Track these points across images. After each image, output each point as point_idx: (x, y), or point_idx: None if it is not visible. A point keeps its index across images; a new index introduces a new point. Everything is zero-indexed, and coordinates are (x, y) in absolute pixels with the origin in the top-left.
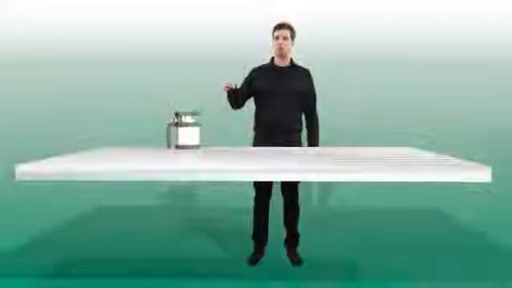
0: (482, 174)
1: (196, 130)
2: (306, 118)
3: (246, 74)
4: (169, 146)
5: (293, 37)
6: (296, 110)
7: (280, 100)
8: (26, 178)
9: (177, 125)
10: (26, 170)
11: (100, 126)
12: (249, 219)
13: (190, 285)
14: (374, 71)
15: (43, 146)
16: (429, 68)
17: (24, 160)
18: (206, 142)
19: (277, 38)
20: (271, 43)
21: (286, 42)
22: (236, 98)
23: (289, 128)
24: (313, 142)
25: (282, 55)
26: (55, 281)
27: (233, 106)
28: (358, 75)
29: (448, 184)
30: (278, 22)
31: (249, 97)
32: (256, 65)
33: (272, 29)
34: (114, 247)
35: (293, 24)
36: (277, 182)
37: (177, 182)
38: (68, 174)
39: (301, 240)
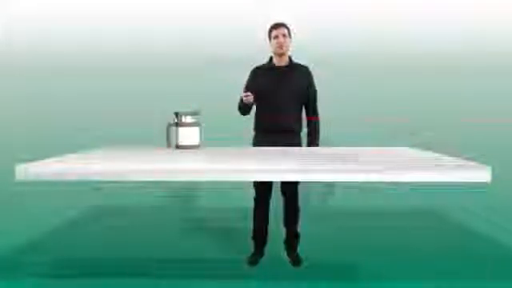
0: (482, 174)
1: (196, 130)
2: (307, 116)
3: (247, 77)
4: (169, 146)
5: (290, 35)
6: (296, 109)
7: (280, 100)
8: (26, 178)
9: (177, 125)
10: (26, 170)
11: (100, 126)
12: (249, 219)
13: (190, 285)
14: (374, 71)
15: (43, 145)
16: (429, 67)
17: (24, 160)
18: (206, 142)
19: (276, 36)
20: (269, 43)
21: (286, 40)
22: (249, 106)
23: (289, 128)
24: (313, 140)
25: (282, 54)
26: (55, 281)
27: (244, 114)
28: (357, 75)
29: (448, 184)
30: (273, 22)
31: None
32: (255, 64)
33: (268, 30)
34: (113, 247)
35: (293, 24)
36: (277, 182)
37: (177, 182)
38: (68, 174)
39: (301, 240)
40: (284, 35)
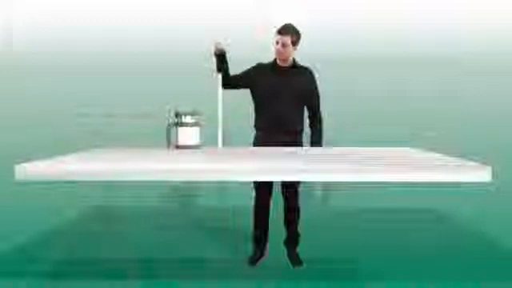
0: (482, 174)
1: (196, 130)
2: (310, 118)
3: (251, 66)
4: (169, 146)
5: (295, 42)
6: (297, 110)
7: (281, 100)
8: (26, 178)
9: (177, 125)
10: (26, 170)
11: (100, 126)
12: (249, 219)
13: (190, 285)
14: (374, 70)
15: (43, 145)
16: (429, 67)
17: (24, 160)
18: (206, 142)
19: (277, 42)
20: (273, 43)
21: (285, 49)
22: (227, 73)
23: (289, 128)
24: (316, 142)
25: (281, 60)
26: (55, 281)
27: (223, 82)
28: (357, 75)
29: (448, 184)
30: (282, 24)
31: (242, 85)
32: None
33: (276, 30)
34: (113, 247)
35: (293, 23)
36: (277, 182)
37: (177, 182)
38: (68, 174)
39: (301, 240)
40: (284, 45)
